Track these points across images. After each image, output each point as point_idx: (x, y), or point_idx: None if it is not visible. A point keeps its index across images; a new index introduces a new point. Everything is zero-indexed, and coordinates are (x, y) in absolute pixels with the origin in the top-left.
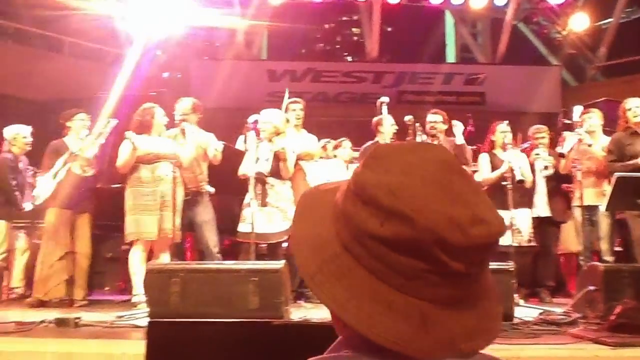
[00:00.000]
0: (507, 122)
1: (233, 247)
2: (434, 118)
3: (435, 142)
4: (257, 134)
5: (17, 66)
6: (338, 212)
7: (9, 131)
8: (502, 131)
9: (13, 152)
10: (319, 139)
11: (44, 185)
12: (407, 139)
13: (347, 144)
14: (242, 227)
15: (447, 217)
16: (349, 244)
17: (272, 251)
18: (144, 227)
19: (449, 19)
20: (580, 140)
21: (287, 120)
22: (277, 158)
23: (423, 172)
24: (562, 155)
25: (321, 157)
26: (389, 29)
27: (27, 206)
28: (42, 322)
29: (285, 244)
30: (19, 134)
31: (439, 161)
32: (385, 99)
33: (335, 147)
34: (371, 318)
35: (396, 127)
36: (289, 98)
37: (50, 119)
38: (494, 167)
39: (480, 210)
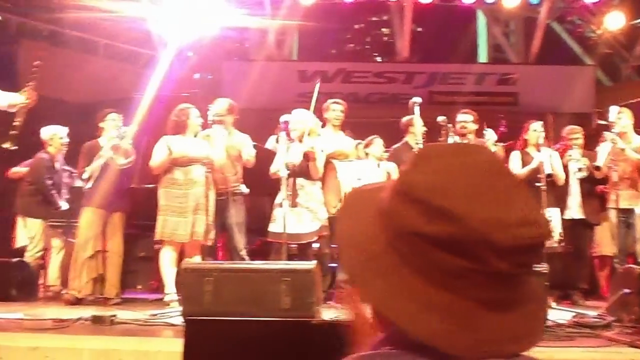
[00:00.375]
0: (542, 122)
1: (264, 247)
2: (465, 118)
3: (466, 142)
4: (288, 134)
5: (53, 68)
6: (383, 211)
7: (46, 131)
8: (535, 130)
9: (50, 152)
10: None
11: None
12: (440, 139)
13: (378, 141)
14: (273, 227)
15: (495, 217)
16: (393, 242)
17: (302, 251)
18: (174, 228)
19: (481, 18)
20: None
21: (321, 122)
22: (307, 158)
23: (471, 173)
24: (597, 169)
25: (357, 158)
26: (419, 29)
27: (63, 205)
28: (78, 319)
29: (315, 245)
30: (56, 135)
31: (486, 162)
32: (417, 100)
33: (367, 145)
34: (414, 316)
35: (425, 128)
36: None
37: (87, 120)
38: (525, 165)
39: (527, 212)
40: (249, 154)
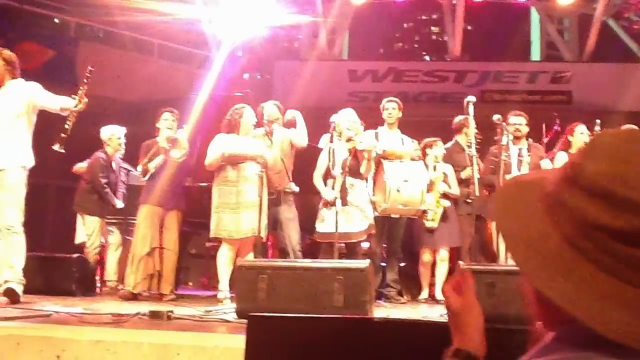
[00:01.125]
0: (599, 121)
1: (314, 245)
2: (518, 120)
3: (521, 145)
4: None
5: (110, 68)
6: (554, 205)
7: (105, 132)
8: (581, 133)
9: (107, 151)
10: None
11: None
12: (495, 138)
13: (440, 144)
14: (321, 227)
15: None
16: (572, 238)
17: (351, 250)
18: (227, 226)
19: (535, 16)
20: None
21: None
22: (357, 157)
23: None
24: None
25: (412, 159)
26: (469, 27)
27: (119, 204)
28: (136, 314)
29: (365, 244)
30: (114, 135)
31: None
32: (472, 99)
33: (429, 146)
34: (604, 314)
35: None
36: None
37: (142, 119)
38: None
39: None
40: (300, 138)
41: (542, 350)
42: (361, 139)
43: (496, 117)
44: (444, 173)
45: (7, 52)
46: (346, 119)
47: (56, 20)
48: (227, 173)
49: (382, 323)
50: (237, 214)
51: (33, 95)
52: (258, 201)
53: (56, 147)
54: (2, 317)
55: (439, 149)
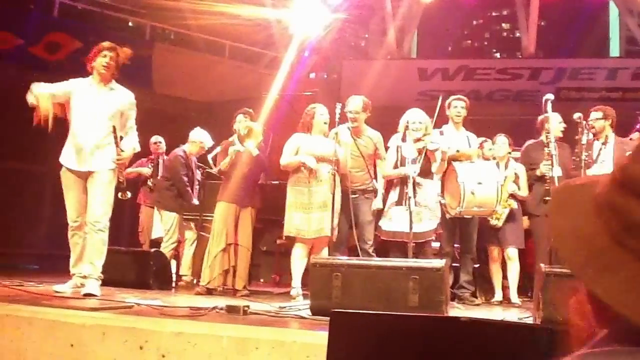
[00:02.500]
0: None
1: (384, 244)
2: (593, 115)
3: (601, 140)
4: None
5: (183, 69)
6: (603, 205)
7: (195, 134)
8: None
9: (185, 150)
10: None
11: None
12: (576, 137)
13: (500, 140)
14: (387, 225)
15: None
16: (620, 237)
17: (420, 250)
18: (299, 225)
19: (613, 10)
20: None
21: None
22: (427, 157)
23: None
24: None
25: (478, 157)
26: (543, 23)
27: (195, 201)
28: (214, 308)
29: (435, 244)
30: (201, 140)
31: None
32: (550, 96)
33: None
34: None
35: (564, 125)
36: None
37: (214, 119)
38: None
39: None
40: (383, 153)
41: (595, 343)
42: (432, 139)
43: (576, 116)
44: (515, 173)
45: (125, 50)
46: (413, 119)
47: (130, 24)
48: (300, 173)
49: (468, 323)
50: (309, 214)
51: (127, 107)
52: (329, 201)
53: (120, 196)
54: (88, 307)
55: (498, 146)
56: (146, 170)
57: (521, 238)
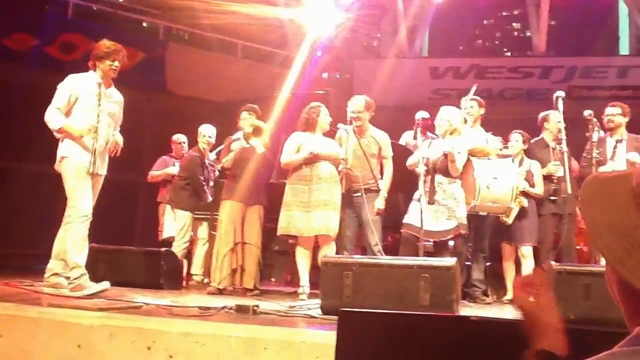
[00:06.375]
0: None
1: (396, 243)
2: (611, 111)
3: (616, 137)
4: (423, 131)
5: (196, 69)
6: None
7: (201, 129)
8: None
9: (199, 149)
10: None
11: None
12: (587, 134)
13: (513, 137)
14: (408, 219)
15: None
16: None
17: (438, 249)
18: (298, 223)
19: (623, 8)
20: None
21: (465, 120)
22: (446, 157)
23: None
24: None
25: (497, 155)
26: (553, 23)
27: (209, 199)
28: (223, 307)
29: (451, 242)
30: (200, 132)
31: None
32: (561, 94)
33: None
34: None
35: (562, 125)
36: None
37: (228, 118)
38: None
39: None
40: (387, 153)
41: (628, 341)
42: (447, 138)
43: (587, 113)
44: (528, 170)
45: (124, 53)
46: (440, 116)
47: (145, 24)
48: (301, 171)
49: (479, 322)
50: (309, 212)
51: (122, 107)
52: (331, 200)
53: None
54: (95, 307)
55: (511, 142)
56: (174, 170)
57: (534, 235)
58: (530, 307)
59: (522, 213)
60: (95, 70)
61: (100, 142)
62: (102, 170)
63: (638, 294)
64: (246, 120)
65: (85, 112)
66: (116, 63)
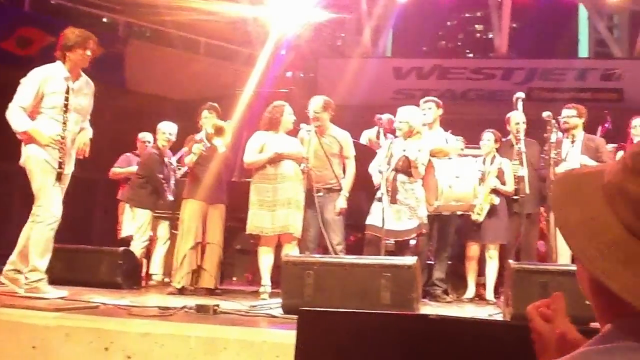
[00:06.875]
0: None
1: (359, 242)
2: (567, 112)
3: (571, 138)
4: (386, 132)
5: (158, 66)
6: (615, 195)
7: (160, 126)
8: (634, 126)
9: (158, 146)
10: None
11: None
12: (545, 135)
13: (484, 135)
14: (371, 220)
15: None
16: (634, 228)
17: (400, 248)
18: (263, 222)
19: (582, 12)
20: None
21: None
22: (409, 159)
23: None
24: None
25: (458, 155)
26: (514, 25)
27: (170, 198)
28: (183, 307)
29: (413, 242)
30: (159, 130)
31: None
32: (521, 95)
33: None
34: None
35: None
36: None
37: (191, 116)
38: None
39: None
40: (349, 152)
41: (600, 339)
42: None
43: (546, 114)
44: (499, 168)
45: (95, 40)
46: (398, 118)
47: (105, 20)
48: (264, 171)
49: (438, 321)
50: (274, 211)
51: (91, 99)
52: (294, 199)
53: (55, 184)
54: (51, 307)
55: (482, 142)
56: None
57: (503, 233)
58: (545, 332)
59: (491, 211)
60: (64, 62)
61: (67, 142)
62: (69, 168)
63: (610, 293)
64: (207, 119)
65: (52, 111)
66: (88, 52)
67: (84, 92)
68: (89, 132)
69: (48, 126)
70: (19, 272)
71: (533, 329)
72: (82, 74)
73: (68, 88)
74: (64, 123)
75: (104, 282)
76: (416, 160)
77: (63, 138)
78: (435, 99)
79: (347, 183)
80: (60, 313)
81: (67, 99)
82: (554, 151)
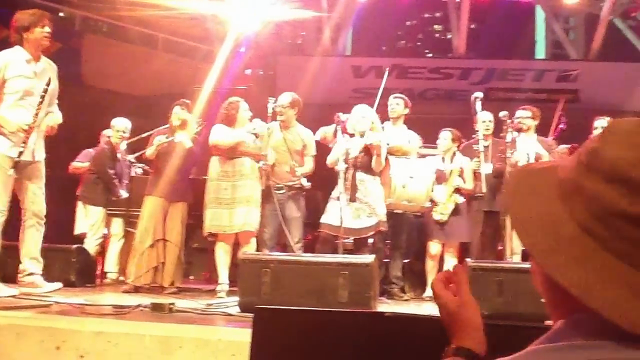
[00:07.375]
0: (608, 118)
1: (315, 241)
2: (522, 114)
3: (525, 139)
4: (344, 129)
5: (114, 62)
6: (569, 191)
7: (114, 122)
8: (595, 128)
9: (111, 142)
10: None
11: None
12: (501, 135)
13: (442, 134)
14: (326, 219)
15: None
16: (588, 225)
17: (358, 246)
18: (221, 221)
19: (540, 14)
20: None
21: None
22: (369, 152)
23: None
24: None
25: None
26: (473, 26)
27: (124, 194)
28: (138, 306)
29: (371, 240)
30: (114, 127)
31: None
32: (478, 94)
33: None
34: (619, 303)
35: (488, 124)
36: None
37: (148, 112)
38: None
39: None
40: (311, 151)
41: (550, 336)
42: (368, 133)
43: (502, 114)
44: (461, 167)
45: (49, 16)
46: (355, 115)
47: (61, 14)
48: (221, 168)
49: (392, 318)
50: (232, 209)
51: (55, 80)
52: (253, 196)
53: (11, 172)
54: (2, 306)
55: (440, 140)
56: None
57: (465, 232)
58: (450, 303)
59: (455, 210)
60: (23, 45)
61: (21, 123)
62: (39, 155)
63: (562, 289)
64: (177, 115)
65: (14, 96)
66: (47, 29)
67: (48, 75)
68: (57, 116)
69: (14, 113)
70: (32, 274)
71: (439, 304)
72: (42, 56)
73: (33, 71)
74: (36, 113)
75: (57, 280)
76: (380, 143)
77: (30, 128)
78: (405, 97)
79: (303, 170)
80: (11, 312)
81: (45, 90)
82: (509, 150)
